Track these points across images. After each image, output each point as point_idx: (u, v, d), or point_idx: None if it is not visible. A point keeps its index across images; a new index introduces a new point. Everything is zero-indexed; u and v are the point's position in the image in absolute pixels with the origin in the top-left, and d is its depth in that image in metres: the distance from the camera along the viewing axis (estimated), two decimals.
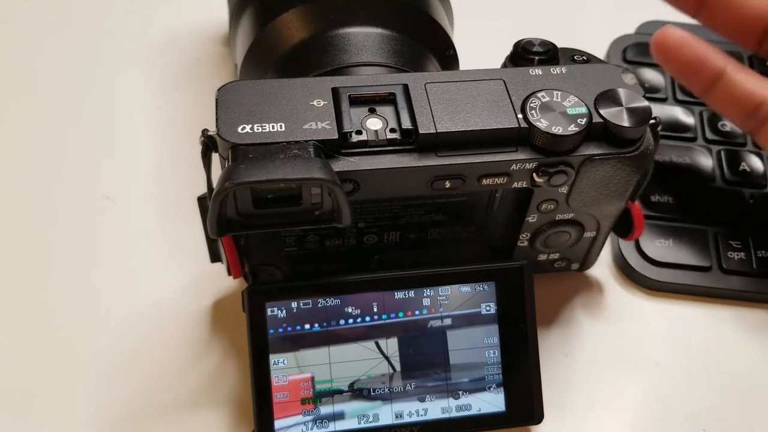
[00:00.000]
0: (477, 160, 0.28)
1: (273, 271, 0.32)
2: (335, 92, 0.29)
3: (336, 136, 0.27)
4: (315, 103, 0.28)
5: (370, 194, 0.29)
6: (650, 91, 0.44)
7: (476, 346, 0.31)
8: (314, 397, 0.30)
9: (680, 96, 0.44)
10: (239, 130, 0.27)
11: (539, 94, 0.29)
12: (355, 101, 0.29)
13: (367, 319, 0.31)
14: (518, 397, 0.31)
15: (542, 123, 0.28)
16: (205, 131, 0.28)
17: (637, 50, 0.46)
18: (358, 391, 0.30)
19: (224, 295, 0.36)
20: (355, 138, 0.28)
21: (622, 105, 0.29)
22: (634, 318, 0.37)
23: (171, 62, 0.46)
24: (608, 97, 0.29)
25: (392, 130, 0.28)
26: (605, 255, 0.39)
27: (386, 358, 0.31)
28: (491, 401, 0.31)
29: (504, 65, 0.33)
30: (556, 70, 0.30)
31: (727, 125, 0.43)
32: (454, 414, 0.31)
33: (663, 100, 0.44)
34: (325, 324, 0.30)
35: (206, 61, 0.46)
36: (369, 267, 0.33)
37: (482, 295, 0.31)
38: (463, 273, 0.31)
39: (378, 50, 0.34)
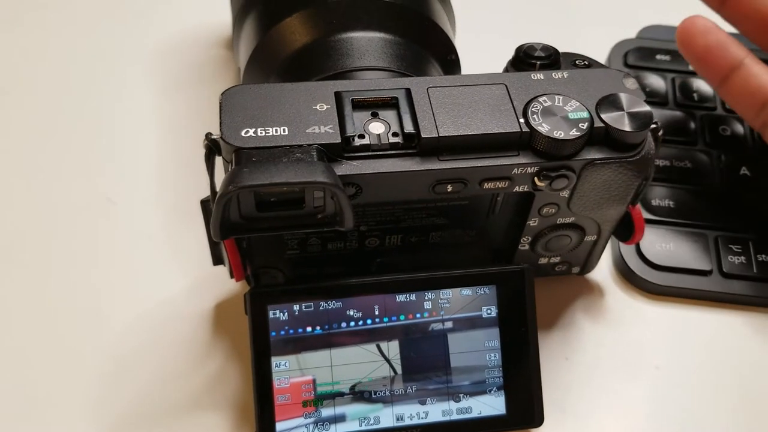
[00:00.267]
0: (479, 164, 0.28)
1: (275, 273, 0.33)
2: (338, 96, 0.29)
3: (339, 140, 0.27)
4: (318, 107, 0.28)
5: (373, 198, 0.29)
6: (651, 96, 0.44)
7: (477, 349, 0.31)
8: (316, 400, 0.30)
9: (681, 100, 0.44)
10: (243, 133, 0.27)
11: (541, 99, 0.29)
12: (358, 105, 0.29)
13: (369, 322, 0.31)
14: (519, 400, 0.31)
15: (544, 127, 0.28)
16: (208, 135, 0.28)
17: (638, 55, 0.46)
18: (359, 394, 0.31)
19: (226, 298, 0.37)
20: (357, 142, 0.28)
21: (623, 109, 0.29)
22: (635, 321, 0.37)
23: (174, 65, 0.46)
24: (610, 102, 0.30)
25: (395, 134, 0.28)
26: (606, 259, 0.39)
27: (387, 360, 0.31)
28: (492, 404, 0.31)
29: (506, 70, 0.33)
30: (557, 74, 0.31)
31: (728, 130, 0.43)
32: (455, 417, 0.31)
33: (664, 105, 0.44)
34: (326, 327, 0.30)
35: (209, 65, 0.47)
36: (371, 270, 0.33)
37: (483, 299, 0.31)
38: (465, 276, 0.31)
39: (380, 55, 0.34)
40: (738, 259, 0.38)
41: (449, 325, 0.31)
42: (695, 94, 0.44)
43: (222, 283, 0.36)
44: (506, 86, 0.30)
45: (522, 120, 0.29)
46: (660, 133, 0.31)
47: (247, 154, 0.27)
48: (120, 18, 0.49)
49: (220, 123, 0.28)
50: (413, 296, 0.31)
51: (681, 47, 0.38)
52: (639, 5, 0.50)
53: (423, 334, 0.31)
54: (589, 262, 0.36)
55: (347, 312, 0.31)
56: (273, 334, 0.30)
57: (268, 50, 0.36)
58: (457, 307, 0.31)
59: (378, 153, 0.28)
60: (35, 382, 0.34)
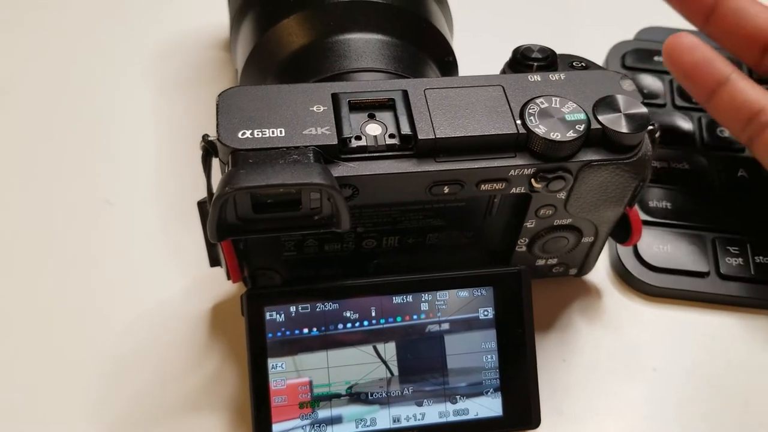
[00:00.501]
0: (475, 166, 0.28)
1: (272, 275, 0.33)
2: (335, 98, 0.29)
3: (335, 142, 0.27)
4: (315, 108, 0.28)
5: (369, 199, 0.29)
6: (649, 98, 0.44)
7: (474, 351, 0.31)
8: (312, 401, 0.30)
9: (679, 102, 0.44)
10: (239, 135, 0.27)
11: (538, 100, 0.29)
12: (355, 107, 0.29)
13: (366, 323, 0.31)
14: (516, 401, 0.31)
15: (541, 129, 0.28)
16: (205, 136, 0.28)
17: (635, 56, 0.46)
18: (355, 396, 0.31)
19: (223, 299, 0.37)
20: (354, 143, 0.28)
21: (620, 111, 0.29)
22: (632, 323, 0.37)
23: (172, 67, 0.46)
24: (607, 104, 0.30)
25: (391, 136, 0.28)
26: (603, 260, 0.39)
27: (384, 362, 0.31)
28: (488, 406, 0.31)
29: (503, 71, 0.33)
30: (554, 76, 0.31)
31: (726, 131, 0.43)
32: (452, 418, 0.31)
33: (661, 106, 0.44)
34: (323, 328, 0.30)
35: (207, 66, 0.47)
36: (367, 272, 0.33)
37: (480, 300, 0.31)
38: (461, 278, 0.31)
39: (378, 56, 0.34)
40: (735, 260, 0.38)
41: (446, 326, 0.31)
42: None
43: (219, 285, 0.36)
44: (503, 88, 0.30)
45: (519, 121, 0.29)
46: (657, 134, 0.31)
47: (244, 155, 0.27)
48: (118, 20, 0.49)
49: (217, 124, 0.28)
50: (410, 298, 0.31)
51: (668, 63, 0.38)
52: (637, 7, 0.50)
53: (420, 336, 0.31)
54: (586, 263, 0.36)
55: (344, 313, 0.31)
56: (270, 335, 0.30)
57: (266, 52, 0.36)
58: (454, 308, 0.31)
59: (375, 154, 0.28)
60: (34, 383, 0.34)
